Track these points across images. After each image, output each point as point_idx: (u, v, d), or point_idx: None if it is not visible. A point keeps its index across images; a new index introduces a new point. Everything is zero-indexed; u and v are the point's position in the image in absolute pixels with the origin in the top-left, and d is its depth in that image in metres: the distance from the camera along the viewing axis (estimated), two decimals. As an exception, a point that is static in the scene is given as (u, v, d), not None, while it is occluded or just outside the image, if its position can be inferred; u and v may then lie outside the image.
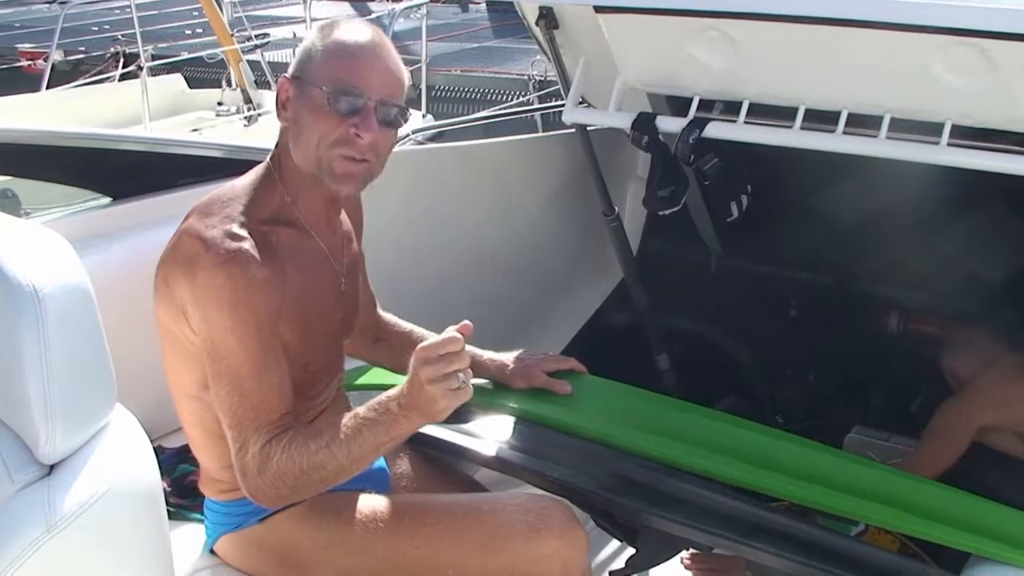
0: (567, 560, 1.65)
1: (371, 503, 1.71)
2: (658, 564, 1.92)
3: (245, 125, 8.82)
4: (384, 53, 1.63)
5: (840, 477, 1.78)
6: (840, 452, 2.21)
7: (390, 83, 1.63)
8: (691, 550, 2.15)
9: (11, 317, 1.27)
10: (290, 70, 1.65)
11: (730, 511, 1.70)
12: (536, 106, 4.15)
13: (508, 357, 1.99)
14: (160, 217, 2.09)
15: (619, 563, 1.96)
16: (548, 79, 11.23)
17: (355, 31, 1.63)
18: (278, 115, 1.65)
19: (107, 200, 2.36)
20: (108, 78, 10.50)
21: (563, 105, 2.64)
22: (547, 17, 2.56)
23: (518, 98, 11.34)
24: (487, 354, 1.99)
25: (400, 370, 2.06)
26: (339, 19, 1.67)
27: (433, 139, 4.23)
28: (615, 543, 2.17)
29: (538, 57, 11.34)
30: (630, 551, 1.89)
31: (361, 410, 1.53)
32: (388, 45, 1.64)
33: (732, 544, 1.68)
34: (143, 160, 2.41)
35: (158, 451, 1.99)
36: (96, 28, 15.57)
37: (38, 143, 2.27)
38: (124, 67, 10.18)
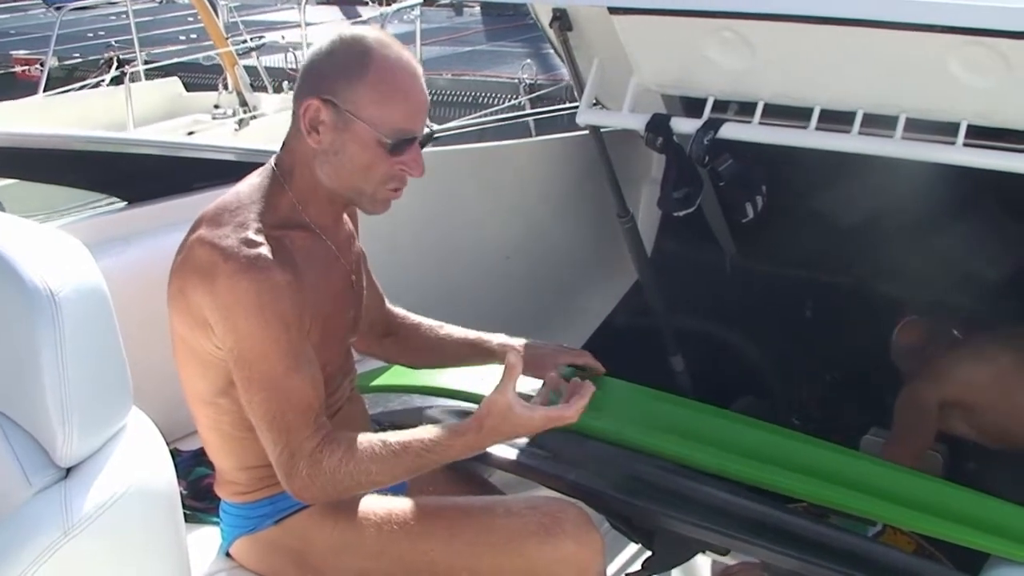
0: (582, 563, 1.64)
1: (386, 505, 1.70)
2: (675, 566, 1.91)
3: (236, 129, 8.80)
4: (422, 81, 1.62)
5: (857, 477, 1.77)
6: (857, 453, 2.21)
7: (426, 111, 1.65)
8: (708, 552, 2.14)
9: (28, 320, 1.26)
10: (315, 87, 1.57)
11: (747, 512, 1.70)
12: (551, 108, 4.12)
13: (520, 343, 1.95)
14: (175, 220, 2.07)
15: (635, 566, 1.95)
16: (538, 82, 11.26)
17: (398, 60, 1.58)
18: (306, 135, 1.58)
19: (122, 204, 2.36)
20: (101, 83, 10.53)
21: (577, 107, 2.64)
22: (561, 19, 2.56)
23: (509, 101, 11.34)
24: (496, 338, 1.95)
25: (409, 363, 2.05)
26: (363, 32, 1.60)
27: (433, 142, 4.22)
28: (631, 546, 2.16)
29: (528, 61, 11.44)
30: (647, 553, 1.88)
31: (426, 433, 1.56)
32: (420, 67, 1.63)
33: (749, 545, 1.68)
34: (158, 163, 2.41)
35: (174, 454, 1.98)
36: (91, 35, 15.55)
37: (52, 147, 2.26)
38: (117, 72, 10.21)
